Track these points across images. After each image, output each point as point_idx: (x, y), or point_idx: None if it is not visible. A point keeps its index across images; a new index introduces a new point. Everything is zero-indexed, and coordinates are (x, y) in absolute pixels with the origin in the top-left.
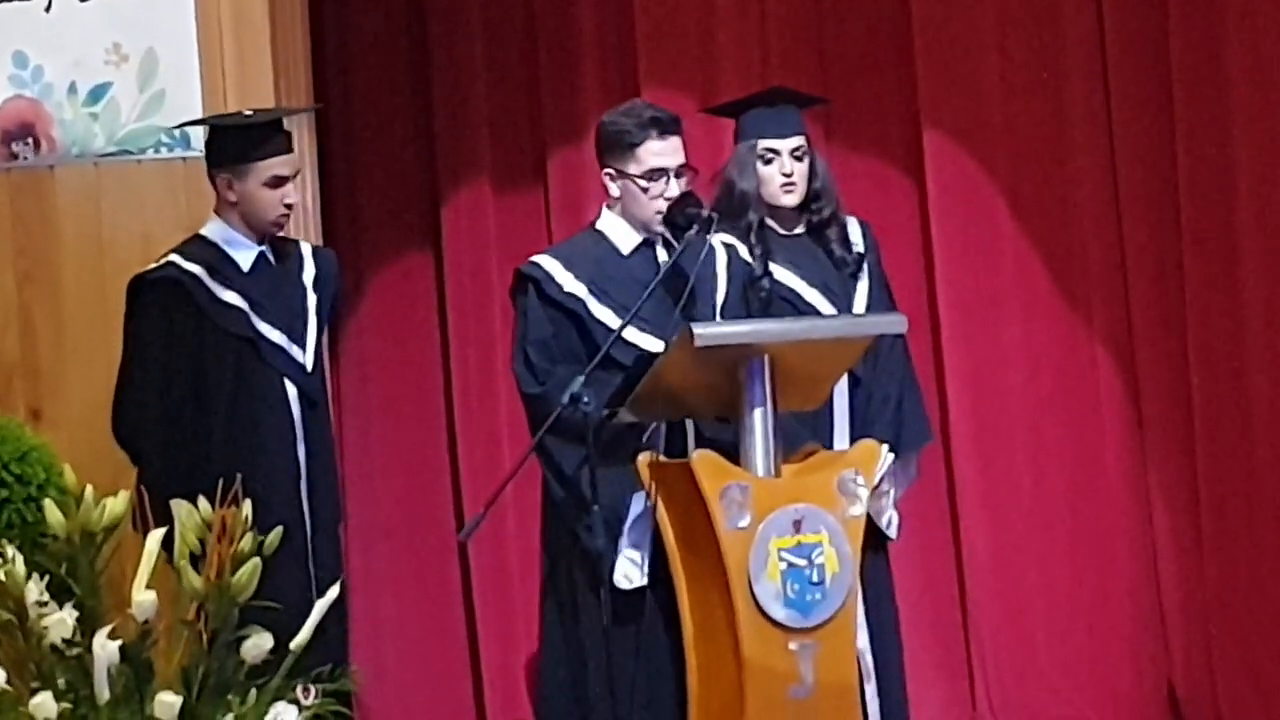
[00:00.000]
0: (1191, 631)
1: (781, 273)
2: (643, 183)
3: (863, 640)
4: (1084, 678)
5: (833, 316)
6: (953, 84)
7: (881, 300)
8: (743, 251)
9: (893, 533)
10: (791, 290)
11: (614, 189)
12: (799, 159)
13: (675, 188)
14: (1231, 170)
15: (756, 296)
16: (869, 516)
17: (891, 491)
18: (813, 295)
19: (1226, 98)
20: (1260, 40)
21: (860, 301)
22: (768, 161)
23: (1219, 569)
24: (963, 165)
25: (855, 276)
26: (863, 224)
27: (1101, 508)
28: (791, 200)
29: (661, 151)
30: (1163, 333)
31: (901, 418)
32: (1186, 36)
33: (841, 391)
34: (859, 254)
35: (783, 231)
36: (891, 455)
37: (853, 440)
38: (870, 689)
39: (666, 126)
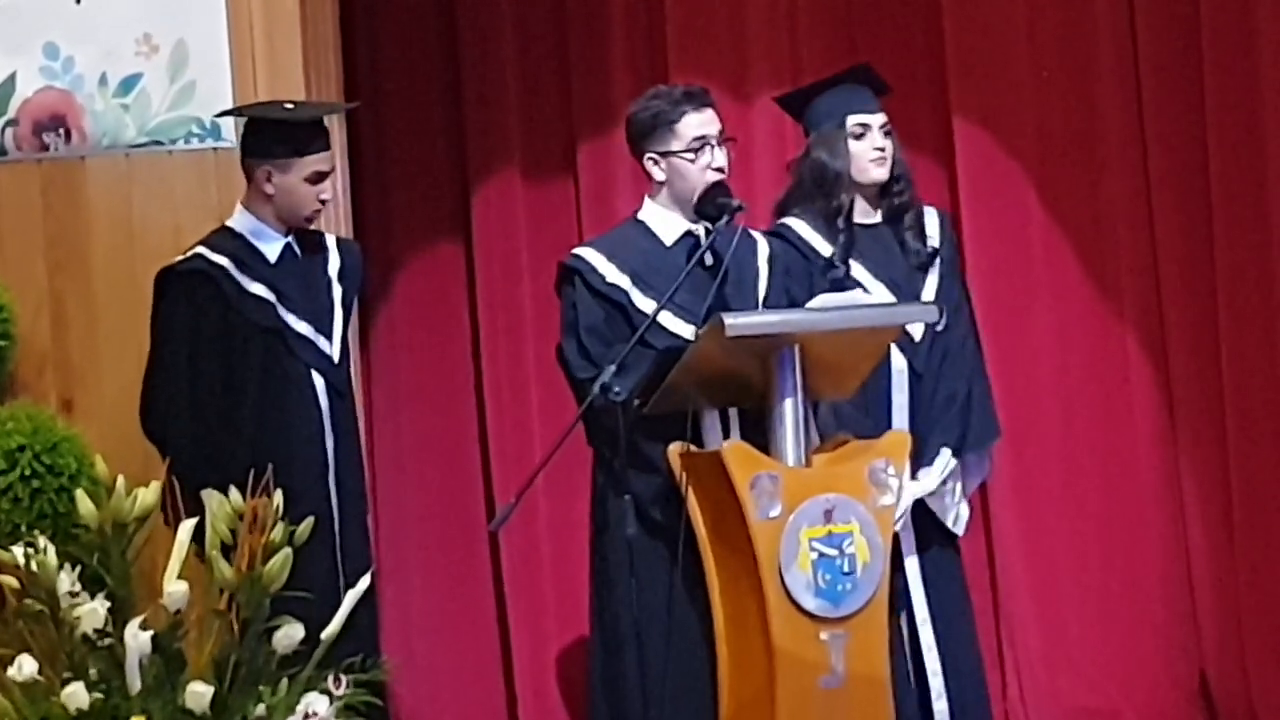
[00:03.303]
0: (1223, 621)
1: (852, 265)
2: (689, 155)
3: (929, 637)
4: (1115, 667)
5: (863, 306)
6: (983, 73)
7: (951, 295)
8: (815, 243)
9: (960, 529)
10: (858, 283)
11: (658, 173)
12: (887, 134)
13: (720, 156)
14: (1263, 158)
15: (827, 281)
16: (933, 514)
17: (956, 487)
18: (878, 289)
19: (1258, 85)
20: None
21: (928, 296)
22: (859, 137)
23: (1251, 558)
24: (993, 154)
25: (925, 269)
26: (941, 215)
27: (1133, 497)
28: (882, 174)
29: (701, 122)
30: (1194, 322)
31: (969, 416)
32: (1218, 24)
33: (901, 387)
34: (934, 248)
35: (860, 220)
36: (954, 461)
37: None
38: (936, 686)
39: (700, 99)
